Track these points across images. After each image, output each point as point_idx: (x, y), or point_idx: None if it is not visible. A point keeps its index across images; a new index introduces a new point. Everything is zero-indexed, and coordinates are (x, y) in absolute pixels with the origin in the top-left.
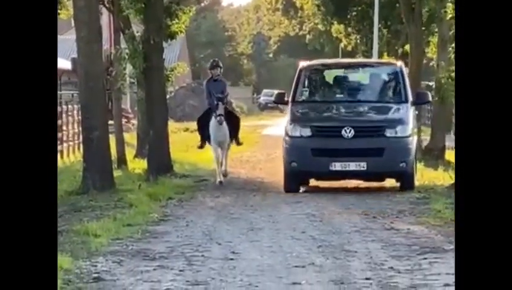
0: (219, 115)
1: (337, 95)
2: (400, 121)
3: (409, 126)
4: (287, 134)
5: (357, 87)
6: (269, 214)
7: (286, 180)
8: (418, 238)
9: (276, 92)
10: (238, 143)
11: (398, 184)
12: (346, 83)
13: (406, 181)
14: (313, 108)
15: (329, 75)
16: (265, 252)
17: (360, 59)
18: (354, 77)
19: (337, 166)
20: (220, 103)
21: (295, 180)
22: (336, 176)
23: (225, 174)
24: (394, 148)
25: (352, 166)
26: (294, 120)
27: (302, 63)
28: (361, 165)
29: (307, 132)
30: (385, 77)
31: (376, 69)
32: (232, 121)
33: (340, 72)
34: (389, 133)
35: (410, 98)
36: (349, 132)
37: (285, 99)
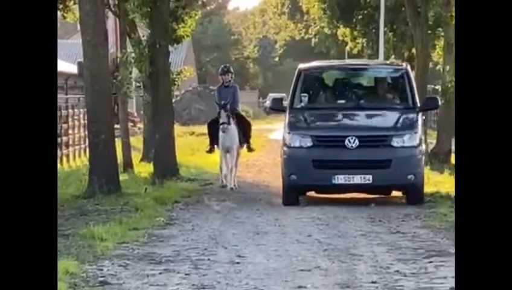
0: (222, 123)
1: (340, 101)
2: (408, 130)
3: (417, 135)
4: (285, 144)
5: (360, 92)
6: (275, 218)
7: (285, 194)
8: (424, 241)
9: (272, 96)
10: (250, 149)
11: (404, 197)
12: (349, 87)
13: (414, 194)
14: (314, 115)
15: (331, 79)
16: (271, 255)
17: (363, 60)
18: (358, 80)
19: (340, 179)
20: (222, 111)
21: (295, 193)
22: (339, 189)
23: (228, 185)
24: (402, 159)
25: (357, 179)
26: (293, 129)
27: (301, 66)
28: (367, 178)
29: (307, 141)
30: (390, 81)
31: (381, 72)
32: (244, 126)
33: (342, 75)
34: (396, 142)
35: (418, 104)
36: (353, 141)
37: (284, 105)
